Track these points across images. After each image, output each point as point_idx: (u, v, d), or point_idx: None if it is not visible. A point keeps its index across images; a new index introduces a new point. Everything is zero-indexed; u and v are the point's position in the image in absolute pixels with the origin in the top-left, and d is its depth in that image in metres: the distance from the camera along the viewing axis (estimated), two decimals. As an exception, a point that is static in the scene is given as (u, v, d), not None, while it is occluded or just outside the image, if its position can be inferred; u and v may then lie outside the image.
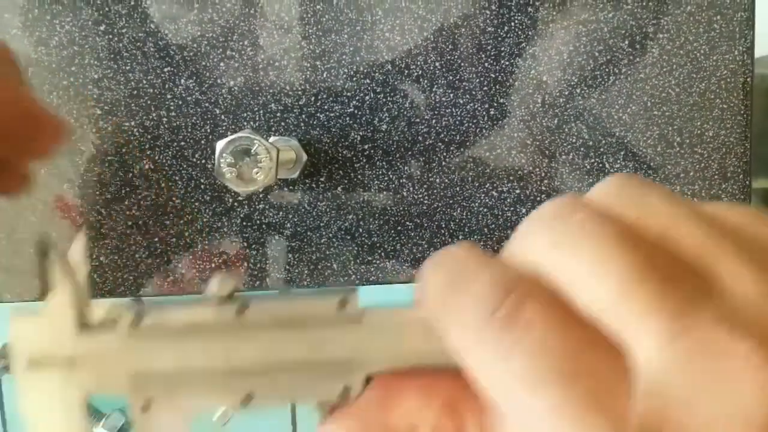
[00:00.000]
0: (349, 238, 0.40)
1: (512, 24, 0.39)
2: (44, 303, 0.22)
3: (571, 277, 0.19)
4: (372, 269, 0.40)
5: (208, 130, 0.38)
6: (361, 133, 0.39)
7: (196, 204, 0.39)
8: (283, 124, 0.38)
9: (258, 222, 0.39)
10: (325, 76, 0.39)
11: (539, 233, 0.20)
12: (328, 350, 0.24)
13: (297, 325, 0.24)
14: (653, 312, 0.17)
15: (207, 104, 0.38)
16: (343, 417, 0.24)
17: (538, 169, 0.41)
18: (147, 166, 0.38)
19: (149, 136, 0.38)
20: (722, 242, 0.18)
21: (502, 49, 0.39)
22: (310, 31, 0.38)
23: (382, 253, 0.41)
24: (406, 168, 0.40)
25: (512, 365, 0.18)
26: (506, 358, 0.19)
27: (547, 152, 0.41)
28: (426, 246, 0.41)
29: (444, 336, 0.21)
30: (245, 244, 0.39)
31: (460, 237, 0.41)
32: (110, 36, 0.37)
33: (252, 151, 0.29)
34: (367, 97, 0.39)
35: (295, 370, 0.24)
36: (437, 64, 0.39)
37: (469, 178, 0.41)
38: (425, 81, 0.39)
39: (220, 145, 0.29)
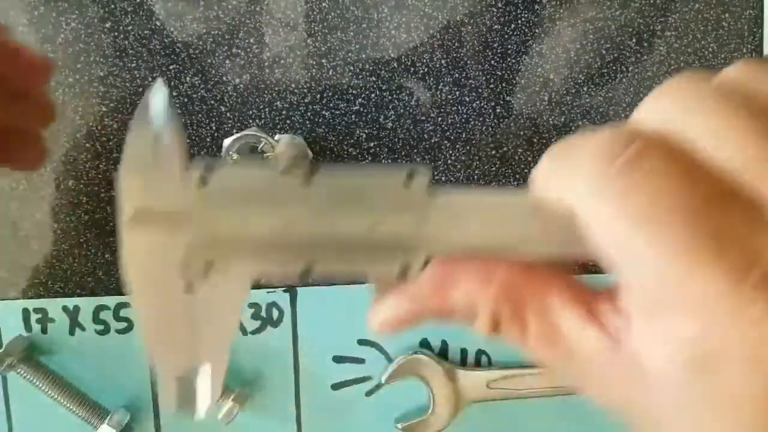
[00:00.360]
0: (354, 236, 0.40)
1: (519, 21, 0.39)
2: (152, 159, 0.23)
3: (703, 137, 0.18)
4: (377, 267, 0.40)
5: (214, 128, 0.38)
6: (366, 131, 0.39)
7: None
8: (288, 121, 0.38)
9: (263, 220, 0.39)
10: (330, 73, 0.39)
11: (671, 97, 0.19)
12: (391, 226, 0.23)
13: (362, 198, 0.23)
14: None
15: (213, 102, 0.38)
16: (399, 296, 0.23)
17: (544, 168, 0.41)
18: (152, 164, 0.38)
19: (154, 134, 0.38)
20: None
21: (509, 46, 0.39)
22: (315, 28, 0.38)
23: (388, 252, 0.40)
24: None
25: (630, 208, 0.18)
26: (626, 198, 0.18)
27: (553, 150, 0.40)
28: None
29: (557, 196, 0.20)
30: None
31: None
32: (116, 33, 0.37)
33: (259, 148, 0.29)
34: (373, 95, 0.39)
35: (356, 245, 0.23)
36: (443, 61, 0.39)
37: (475, 177, 0.40)
38: (431, 78, 0.39)
39: (226, 142, 0.29)
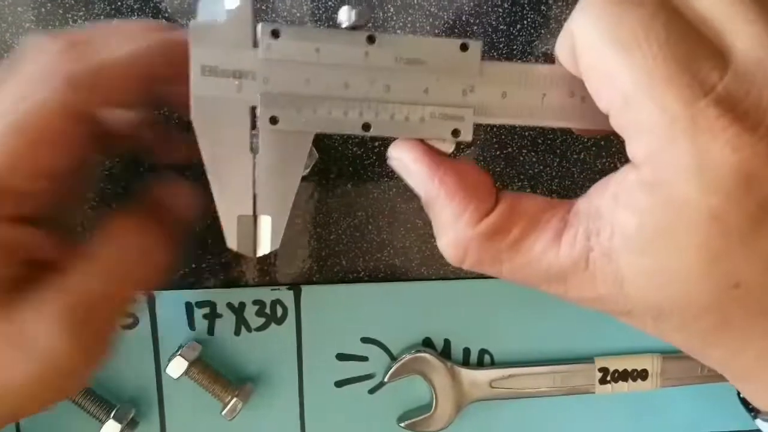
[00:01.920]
0: (358, 234, 0.40)
1: (525, 22, 0.39)
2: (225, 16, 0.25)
3: None
4: (381, 266, 0.41)
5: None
6: (371, 130, 0.39)
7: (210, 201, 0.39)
8: (293, 120, 0.38)
9: (268, 218, 0.39)
10: (336, 72, 0.39)
11: None
12: (445, 91, 0.25)
13: (419, 62, 0.25)
14: (759, 20, 0.20)
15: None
16: (420, 147, 0.26)
17: (549, 169, 0.41)
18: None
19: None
20: None
21: (514, 47, 0.39)
22: (321, 27, 0.38)
23: (392, 251, 0.41)
24: (416, 165, 0.40)
25: (619, 29, 0.21)
26: (616, 22, 0.21)
27: (558, 151, 0.40)
28: (435, 244, 0.41)
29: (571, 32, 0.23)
30: (255, 239, 0.39)
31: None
32: (122, 30, 0.37)
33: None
34: (378, 94, 0.39)
35: (412, 107, 0.25)
36: (449, 61, 0.39)
37: (480, 176, 0.40)
38: (436, 78, 0.39)
39: None
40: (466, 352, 0.42)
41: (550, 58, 0.40)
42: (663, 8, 0.21)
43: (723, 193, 0.19)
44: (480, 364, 0.42)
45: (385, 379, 0.41)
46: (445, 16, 0.38)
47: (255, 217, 0.27)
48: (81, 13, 0.36)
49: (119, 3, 0.37)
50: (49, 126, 0.23)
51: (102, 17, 0.37)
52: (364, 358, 0.41)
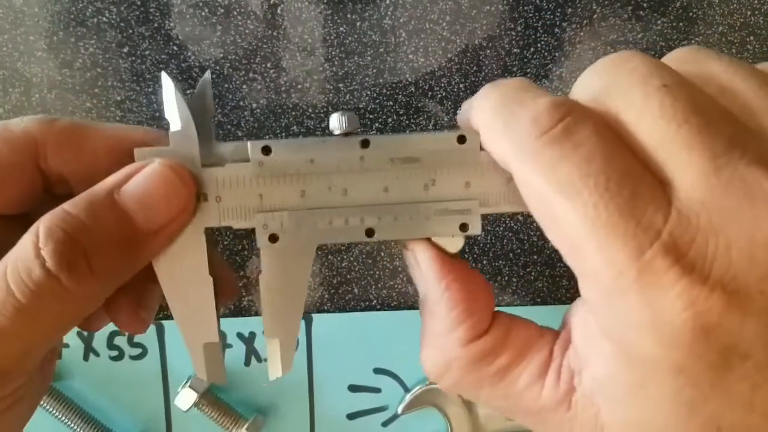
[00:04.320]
0: (370, 262, 0.39)
1: (538, 45, 0.38)
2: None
3: (627, 116, 0.20)
4: (394, 294, 0.40)
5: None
6: (383, 156, 0.39)
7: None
8: (304, 146, 0.38)
9: (279, 245, 0.39)
10: (348, 98, 0.38)
11: (596, 77, 0.22)
12: (446, 186, 0.25)
13: (415, 161, 0.25)
14: (698, 148, 0.19)
15: (230, 126, 0.38)
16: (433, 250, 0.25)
17: (565, 193, 0.40)
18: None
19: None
20: None
21: (528, 70, 0.38)
22: (333, 53, 0.38)
23: (405, 278, 0.40)
24: (429, 191, 0.39)
25: (556, 175, 0.20)
26: (553, 168, 0.20)
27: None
28: (449, 271, 0.40)
29: (492, 148, 0.22)
30: (265, 267, 0.39)
31: (485, 262, 0.40)
32: (133, 58, 0.37)
33: None
34: (390, 119, 0.38)
35: (415, 207, 0.25)
36: (461, 85, 0.38)
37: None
38: (449, 103, 0.39)
39: None
40: (482, 382, 0.41)
41: (564, 81, 0.39)
42: (600, 144, 0.20)
43: (683, 347, 0.18)
44: (496, 395, 0.41)
45: (399, 411, 0.39)
46: (458, 41, 0.38)
47: (222, 343, 0.26)
48: (92, 42, 0.36)
49: (130, 31, 0.37)
50: None
51: (113, 45, 0.37)
52: (377, 390, 0.40)
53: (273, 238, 0.24)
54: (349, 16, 0.37)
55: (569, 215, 0.19)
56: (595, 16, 0.38)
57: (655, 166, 0.20)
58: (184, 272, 0.25)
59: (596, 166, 0.19)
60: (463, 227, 0.25)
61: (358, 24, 0.38)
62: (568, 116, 0.20)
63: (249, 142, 0.24)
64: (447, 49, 0.38)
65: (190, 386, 0.37)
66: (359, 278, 0.39)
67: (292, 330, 0.26)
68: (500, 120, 0.21)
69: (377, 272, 0.40)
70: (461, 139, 0.24)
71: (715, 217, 0.18)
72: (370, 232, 0.25)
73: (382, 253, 0.39)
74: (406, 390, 0.40)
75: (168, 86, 0.24)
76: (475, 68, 0.38)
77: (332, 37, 0.38)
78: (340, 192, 0.24)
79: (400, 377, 0.40)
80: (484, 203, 0.25)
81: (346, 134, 0.25)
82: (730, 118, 0.20)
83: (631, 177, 0.19)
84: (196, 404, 0.37)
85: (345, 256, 0.39)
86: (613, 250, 0.19)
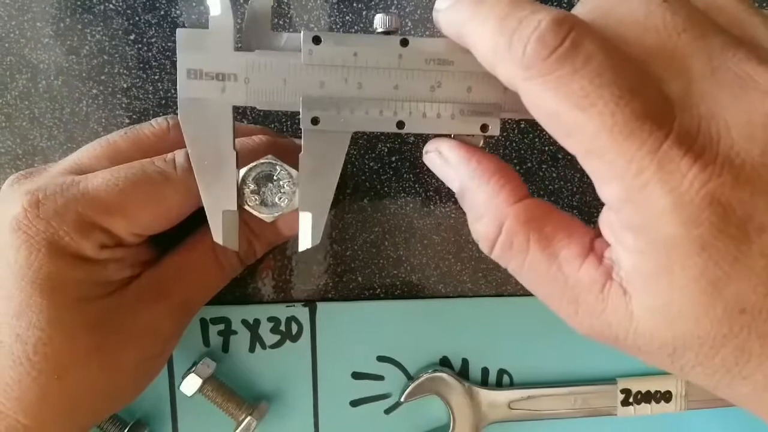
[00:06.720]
0: (374, 251, 0.40)
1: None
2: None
3: (629, 30, 0.22)
4: (397, 283, 0.40)
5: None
6: (388, 146, 0.39)
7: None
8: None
9: (283, 233, 0.39)
10: (353, 87, 0.38)
11: None
12: (475, 90, 0.27)
13: (449, 63, 0.27)
14: (696, 53, 0.21)
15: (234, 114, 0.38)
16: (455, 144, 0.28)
17: (569, 184, 0.40)
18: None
19: (176, 146, 0.38)
20: (762, 17, 0.22)
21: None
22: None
23: (408, 267, 0.40)
24: (433, 181, 0.39)
25: (569, 91, 0.21)
26: (566, 85, 0.21)
27: (578, 166, 0.40)
28: (453, 260, 0.40)
29: (496, 71, 0.23)
30: (270, 255, 0.39)
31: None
32: (140, 45, 0.37)
33: (274, 177, 0.29)
34: (396, 109, 0.38)
35: (443, 104, 0.27)
36: (467, 75, 0.38)
37: (498, 192, 0.40)
38: (455, 93, 0.39)
39: (242, 172, 0.29)
40: (485, 371, 0.41)
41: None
42: (607, 55, 0.21)
43: (704, 222, 0.20)
44: (499, 385, 0.41)
45: (402, 399, 0.40)
46: (464, 30, 0.38)
47: (240, 210, 0.28)
48: (99, 29, 0.36)
49: (137, 18, 0.37)
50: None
51: (120, 32, 0.37)
52: (380, 377, 0.40)
53: (315, 121, 0.27)
54: (355, 5, 0.37)
55: (587, 126, 0.21)
56: None
57: (657, 70, 0.21)
58: (211, 146, 0.27)
59: (607, 77, 0.21)
60: (484, 128, 0.27)
61: (364, 13, 0.38)
62: (572, 31, 0.21)
63: (302, 32, 0.27)
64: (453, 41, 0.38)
65: (194, 372, 0.37)
66: (363, 267, 0.40)
67: (324, 206, 0.28)
68: (502, 43, 0.22)
69: (381, 261, 0.40)
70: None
71: (713, 106, 0.20)
72: (400, 124, 0.27)
73: (386, 242, 0.40)
74: (409, 378, 0.40)
75: None
76: (480, 58, 0.38)
77: (338, 26, 0.38)
78: (377, 85, 0.27)
79: (403, 365, 0.40)
80: (507, 108, 0.27)
81: (387, 33, 0.27)
82: (720, 27, 0.22)
83: (639, 83, 0.21)
84: (200, 390, 0.37)
85: (349, 245, 0.39)
86: (634, 149, 0.20)
